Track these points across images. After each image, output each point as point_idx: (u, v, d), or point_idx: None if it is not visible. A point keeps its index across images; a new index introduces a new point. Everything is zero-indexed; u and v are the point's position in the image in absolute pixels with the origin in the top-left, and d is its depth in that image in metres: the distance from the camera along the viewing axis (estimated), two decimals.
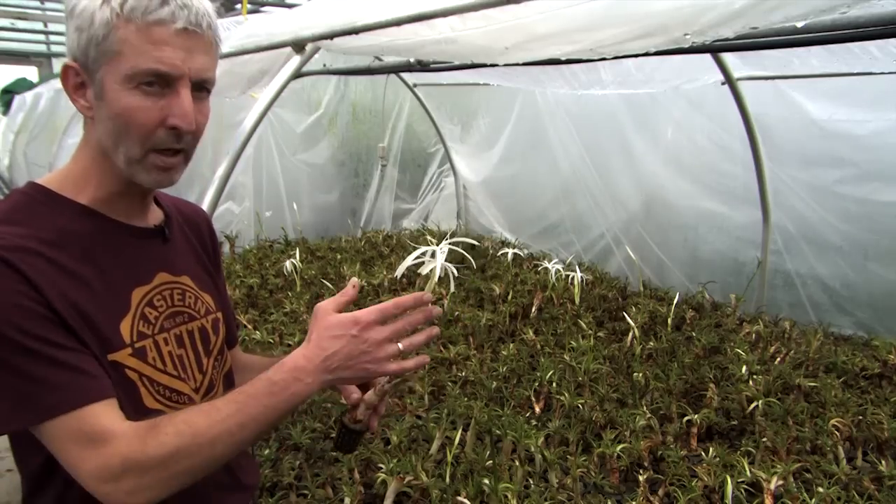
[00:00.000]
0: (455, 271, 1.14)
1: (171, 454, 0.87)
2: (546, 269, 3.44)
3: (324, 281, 3.65)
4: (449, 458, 1.90)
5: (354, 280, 1.02)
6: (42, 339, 0.87)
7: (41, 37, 10.37)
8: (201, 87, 0.98)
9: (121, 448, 0.87)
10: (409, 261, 1.11)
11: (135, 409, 0.98)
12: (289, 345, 2.82)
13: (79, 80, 0.95)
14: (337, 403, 2.32)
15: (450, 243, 1.15)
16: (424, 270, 1.11)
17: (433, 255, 1.10)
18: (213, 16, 0.98)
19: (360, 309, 0.98)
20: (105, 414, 0.89)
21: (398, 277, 3.81)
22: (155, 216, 1.11)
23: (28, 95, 8.51)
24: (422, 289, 1.06)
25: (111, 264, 1.00)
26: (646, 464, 2.04)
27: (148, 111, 0.93)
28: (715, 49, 2.78)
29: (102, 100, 0.94)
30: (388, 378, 1.10)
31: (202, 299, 1.14)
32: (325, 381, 0.94)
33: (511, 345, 2.84)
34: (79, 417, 0.87)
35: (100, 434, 0.87)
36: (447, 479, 1.83)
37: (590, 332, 2.97)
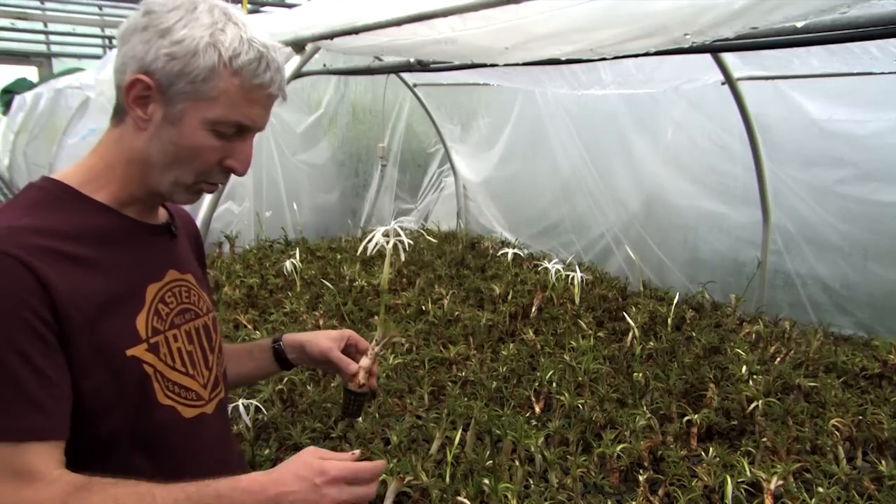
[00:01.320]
0: (405, 245, 1.49)
1: None
2: (546, 269, 3.44)
3: (324, 281, 3.65)
4: (449, 458, 1.90)
5: (356, 453, 1.03)
6: (23, 358, 0.85)
7: (41, 37, 10.36)
8: (255, 133, 1.07)
9: (41, 496, 0.84)
10: (372, 243, 1.45)
11: (149, 405, 0.99)
12: None
13: (146, 94, 0.97)
14: (336, 403, 2.33)
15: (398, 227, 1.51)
16: (372, 244, 1.47)
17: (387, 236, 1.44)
18: None
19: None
20: (44, 455, 0.86)
21: (397, 279, 3.81)
22: (161, 215, 1.14)
23: (28, 95, 8.51)
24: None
25: (127, 260, 1.02)
26: (646, 464, 2.04)
27: (215, 152, 1.00)
28: (715, 49, 2.78)
29: (174, 126, 0.98)
30: (377, 340, 1.31)
31: (203, 297, 1.17)
32: None
33: (511, 345, 2.84)
34: (17, 450, 0.85)
35: (29, 474, 0.84)
36: (447, 479, 1.83)
37: (590, 332, 2.97)
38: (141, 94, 0.97)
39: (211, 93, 0.96)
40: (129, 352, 0.97)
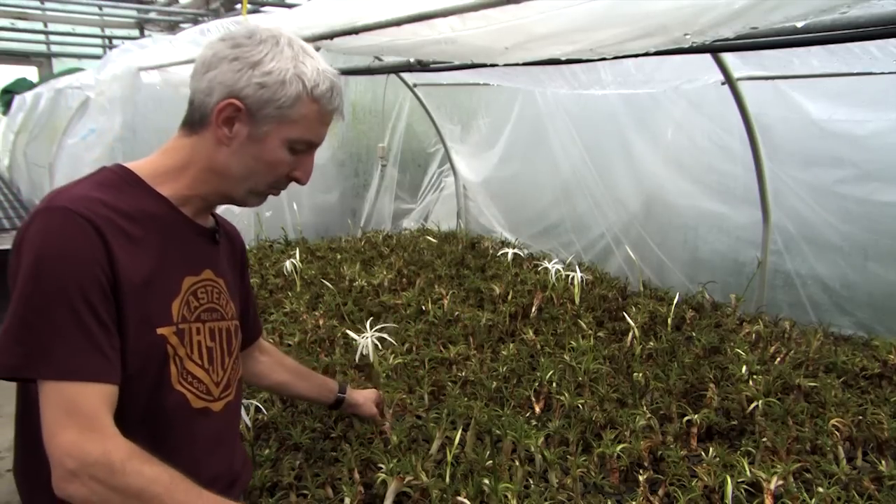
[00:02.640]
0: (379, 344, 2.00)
1: (134, 490, 0.92)
2: (546, 269, 3.44)
3: (324, 281, 3.65)
4: (449, 458, 1.89)
5: None
6: (91, 308, 0.96)
7: (41, 37, 10.37)
8: None
9: (106, 446, 0.92)
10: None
11: (164, 385, 1.08)
12: (289, 345, 2.83)
13: (235, 115, 1.11)
14: None
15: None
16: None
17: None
18: None
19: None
20: (104, 403, 0.96)
21: (397, 279, 3.81)
22: (210, 221, 1.27)
23: (28, 95, 8.52)
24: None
25: (172, 249, 1.13)
26: (646, 464, 2.04)
27: (287, 165, 1.18)
28: (715, 49, 2.78)
29: (257, 144, 1.13)
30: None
31: (231, 304, 1.27)
32: None
33: (511, 345, 2.83)
34: (83, 392, 0.94)
35: (90, 418, 0.93)
36: (447, 479, 1.83)
37: (590, 332, 2.96)
38: (230, 115, 1.11)
39: (294, 116, 1.12)
40: (160, 330, 1.07)
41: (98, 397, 0.95)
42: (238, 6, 6.07)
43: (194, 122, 1.15)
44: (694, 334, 2.94)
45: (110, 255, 0.99)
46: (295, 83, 1.10)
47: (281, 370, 1.71)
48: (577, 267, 3.45)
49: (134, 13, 10.31)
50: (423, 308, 3.25)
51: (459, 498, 1.73)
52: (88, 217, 0.98)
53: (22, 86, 9.59)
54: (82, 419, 0.92)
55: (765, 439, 2.09)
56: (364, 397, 1.96)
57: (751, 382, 2.45)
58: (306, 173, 1.22)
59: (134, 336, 1.02)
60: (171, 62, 3.91)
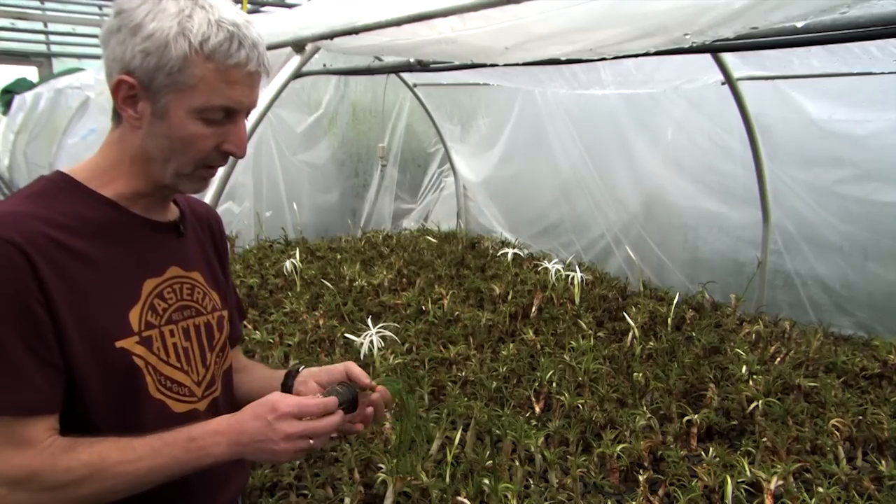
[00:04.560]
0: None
1: (73, 481, 0.91)
2: (546, 269, 3.44)
3: (324, 281, 3.65)
4: (449, 458, 1.90)
5: (326, 401, 1.04)
6: (19, 339, 0.89)
7: (41, 37, 10.36)
8: (247, 112, 1.07)
9: (32, 461, 0.90)
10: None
11: (140, 398, 1.02)
12: (289, 345, 2.83)
13: (132, 93, 0.98)
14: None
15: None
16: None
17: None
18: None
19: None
20: (39, 426, 0.92)
21: (397, 279, 3.81)
22: (171, 212, 1.15)
23: (28, 95, 8.50)
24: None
25: (125, 254, 1.03)
26: (646, 464, 2.04)
27: (208, 139, 1.01)
28: (715, 49, 2.78)
29: (163, 120, 0.99)
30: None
31: (210, 296, 1.17)
32: (235, 453, 0.99)
33: (511, 345, 2.83)
34: (12, 423, 0.91)
35: (23, 441, 0.91)
36: (447, 479, 1.83)
37: (590, 332, 2.96)
38: (127, 94, 0.98)
39: (189, 81, 0.96)
40: (119, 343, 0.99)
41: (29, 427, 0.91)
42: (238, 6, 6.07)
43: (114, 112, 1.04)
44: (694, 334, 2.94)
45: (39, 279, 0.90)
46: (180, 42, 0.94)
47: (244, 393, 1.31)
48: (577, 267, 3.44)
49: None
50: (423, 308, 3.25)
51: (459, 498, 1.73)
52: (10, 239, 0.89)
53: (22, 86, 9.58)
54: (13, 446, 0.90)
55: (765, 439, 2.09)
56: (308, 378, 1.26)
57: (751, 382, 2.45)
58: (239, 144, 1.04)
59: (88, 355, 0.95)
60: None
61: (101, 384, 0.97)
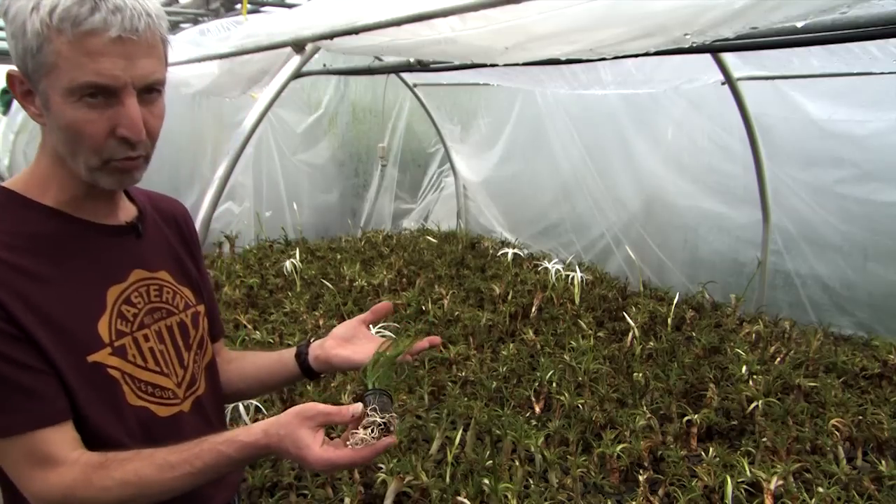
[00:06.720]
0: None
1: (110, 501, 0.89)
2: (546, 269, 3.44)
3: (324, 281, 3.65)
4: (449, 458, 1.90)
5: (356, 407, 0.97)
6: (4, 357, 0.86)
7: None
8: (150, 90, 0.93)
9: (66, 478, 0.88)
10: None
11: (120, 407, 0.98)
12: (289, 344, 2.82)
13: (24, 87, 0.91)
14: (336, 403, 2.32)
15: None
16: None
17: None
18: (154, 10, 0.90)
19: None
20: (56, 439, 0.90)
21: (397, 279, 3.81)
22: (127, 212, 1.07)
23: None
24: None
25: (83, 265, 0.97)
26: (646, 464, 2.04)
27: (95, 123, 0.89)
28: (715, 49, 2.78)
29: (49, 110, 0.89)
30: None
31: (181, 294, 1.13)
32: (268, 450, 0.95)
33: (511, 345, 2.83)
34: (30, 440, 0.88)
35: (49, 458, 0.88)
36: (447, 479, 1.83)
37: (590, 332, 2.96)
38: (21, 89, 0.91)
39: (49, 59, 0.85)
40: (91, 358, 0.94)
41: (46, 440, 0.89)
42: (238, 6, 6.07)
43: None
44: (694, 334, 2.94)
45: (1, 302, 0.86)
46: (32, 19, 0.83)
47: (238, 380, 1.31)
48: (577, 267, 3.45)
49: None
50: (424, 308, 3.25)
51: (459, 498, 1.73)
52: None
53: None
54: (37, 463, 0.88)
55: (765, 439, 2.09)
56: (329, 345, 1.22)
57: (751, 382, 2.45)
58: (130, 126, 0.89)
59: (66, 372, 0.91)
60: (170, 62, 3.91)
61: (84, 399, 0.94)
